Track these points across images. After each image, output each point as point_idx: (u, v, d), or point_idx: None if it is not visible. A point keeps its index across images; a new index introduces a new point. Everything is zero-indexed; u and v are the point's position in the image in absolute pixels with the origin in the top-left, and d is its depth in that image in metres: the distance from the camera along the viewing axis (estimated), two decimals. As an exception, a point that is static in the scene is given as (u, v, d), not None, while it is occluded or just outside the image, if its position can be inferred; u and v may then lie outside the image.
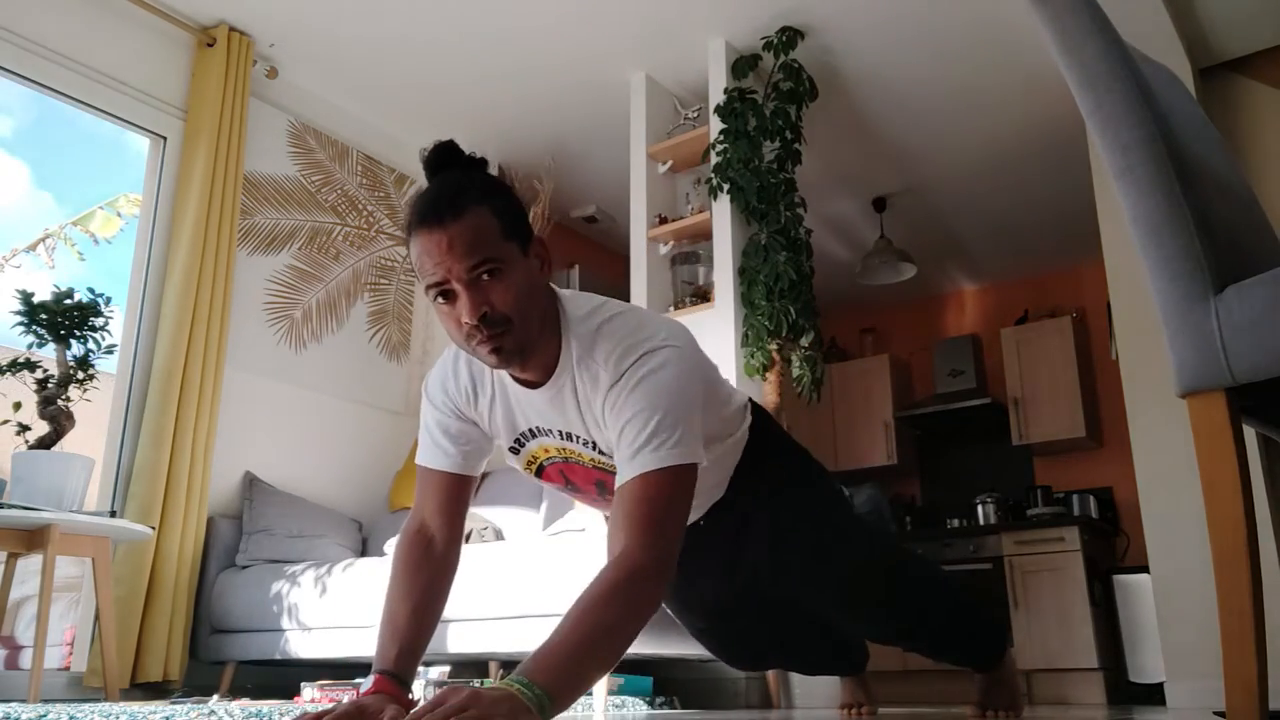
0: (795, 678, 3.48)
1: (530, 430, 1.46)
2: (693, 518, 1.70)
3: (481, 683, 3.13)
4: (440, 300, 1.26)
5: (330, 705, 1.19)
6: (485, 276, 1.23)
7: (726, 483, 1.73)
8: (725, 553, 1.78)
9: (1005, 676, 2.07)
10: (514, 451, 1.51)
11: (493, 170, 1.36)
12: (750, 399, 1.80)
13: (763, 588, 1.86)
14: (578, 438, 1.43)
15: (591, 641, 1.12)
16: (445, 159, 1.31)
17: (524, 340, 1.29)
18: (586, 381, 1.35)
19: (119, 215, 5.52)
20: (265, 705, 2.29)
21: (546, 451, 1.49)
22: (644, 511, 1.23)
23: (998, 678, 2.06)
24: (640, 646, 2.67)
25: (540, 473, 1.54)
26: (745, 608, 1.92)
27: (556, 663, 1.08)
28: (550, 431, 1.45)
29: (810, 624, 2.09)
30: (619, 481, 1.28)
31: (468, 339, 1.27)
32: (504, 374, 1.42)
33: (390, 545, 3.75)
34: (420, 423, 1.51)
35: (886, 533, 2.04)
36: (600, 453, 1.42)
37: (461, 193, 1.24)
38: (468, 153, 1.33)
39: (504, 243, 1.25)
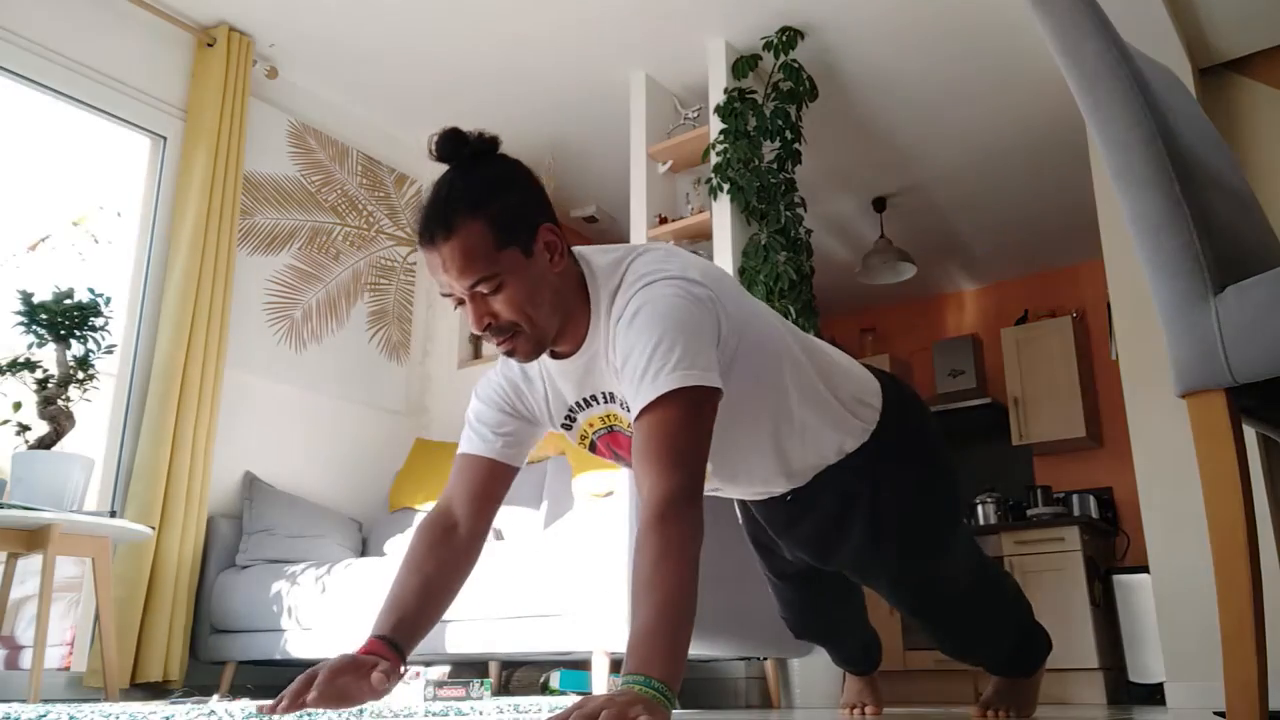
0: (795, 677, 3.48)
1: (578, 403, 1.43)
2: (782, 489, 1.64)
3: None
4: (458, 308, 1.30)
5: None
6: (484, 291, 1.25)
7: (826, 464, 1.61)
8: (826, 533, 1.69)
9: (1029, 685, 2.03)
10: (567, 428, 1.48)
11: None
12: (892, 390, 1.69)
13: (851, 571, 1.81)
14: (617, 397, 1.38)
15: (665, 606, 1.10)
16: (449, 152, 1.28)
17: (538, 337, 1.30)
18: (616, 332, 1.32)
19: (118, 215, 5.50)
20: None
21: (592, 425, 1.45)
22: (657, 445, 1.18)
23: (1021, 686, 2.02)
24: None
25: (593, 448, 1.50)
26: (828, 583, 1.90)
27: (653, 647, 1.06)
28: (595, 400, 1.41)
29: (862, 613, 2.09)
30: (633, 422, 1.24)
31: (485, 340, 1.30)
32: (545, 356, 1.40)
33: (390, 545, 3.75)
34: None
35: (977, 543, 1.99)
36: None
37: (451, 209, 1.24)
38: (473, 136, 1.29)
39: (499, 253, 1.24)
